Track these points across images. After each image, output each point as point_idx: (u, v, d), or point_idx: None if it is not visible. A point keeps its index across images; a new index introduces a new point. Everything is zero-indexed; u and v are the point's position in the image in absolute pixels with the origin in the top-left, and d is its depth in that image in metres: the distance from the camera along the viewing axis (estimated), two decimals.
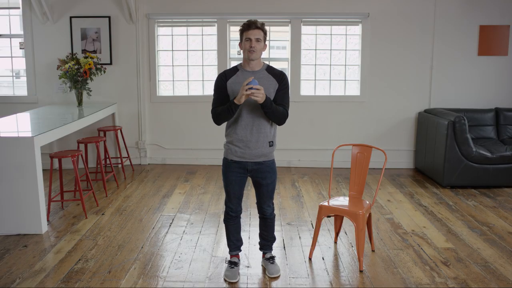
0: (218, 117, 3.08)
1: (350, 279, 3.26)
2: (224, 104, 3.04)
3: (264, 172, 3.15)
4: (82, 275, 3.29)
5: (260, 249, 3.48)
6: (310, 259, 3.55)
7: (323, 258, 3.58)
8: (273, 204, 3.35)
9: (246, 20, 3.04)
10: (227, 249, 3.71)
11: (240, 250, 3.42)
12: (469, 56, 6.31)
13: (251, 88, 2.86)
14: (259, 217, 3.38)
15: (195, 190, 5.39)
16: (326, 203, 3.55)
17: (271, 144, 3.13)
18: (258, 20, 3.03)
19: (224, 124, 3.21)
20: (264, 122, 3.07)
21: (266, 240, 3.43)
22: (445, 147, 5.41)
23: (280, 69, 3.18)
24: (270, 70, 3.11)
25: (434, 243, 3.88)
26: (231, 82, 3.06)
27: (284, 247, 3.77)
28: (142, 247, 3.78)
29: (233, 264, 3.32)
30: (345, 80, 6.47)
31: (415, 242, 3.90)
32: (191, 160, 6.60)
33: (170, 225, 4.28)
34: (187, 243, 3.88)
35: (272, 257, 3.40)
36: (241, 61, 3.14)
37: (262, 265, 3.47)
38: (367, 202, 3.58)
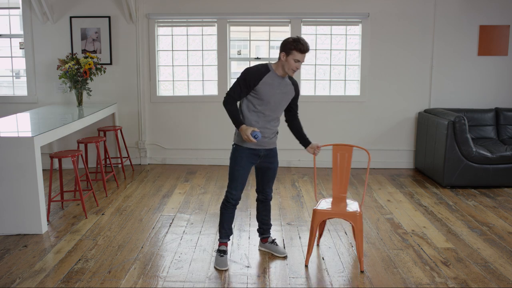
0: (227, 111, 3.24)
1: (350, 279, 3.26)
2: (242, 94, 3.23)
3: (272, 157, 3.46)
4: (82, 275, 3.29)
5: (262, 234, 3.68)
6: (306, 266, 3.45)
7: (323, 258, 3.58)
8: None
9: (296, 36, 3.20)
10: (227, 249, 3.72)
11: (229, 239, 3.58)
12: (469, 56, 6.31)
13: (254, 134, 3.16)
14: (261, 202, 3.60)
15: (195, 190, 5.39)
16: (319, 208, 3.45)
17: (277, 132, 3.47)
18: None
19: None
20: (279, 117, 3.41)
21: (267, 224, 3.67)
22: (445, 147, 5.42)
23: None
24: (292, 78, 3.41)
25: (434, 243, 3.88)
26: (264, 82, 3.21)
27: (284, 247, 3.77)
28: (142, 247, 3.78)
29: (222, 252, 3.46)
30: (345, 80, 6.47)
31: (415, 242, 3.90)
32: (191, 160, 6.60)
33: (170, 225, 4.28)
34: (187, 243, 3.88)
35: (274, 240, 3.68)
36: (273, 62, 3.32)
37: (262, 250, 3.67)
38: (356, 202, 3.58)
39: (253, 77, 3.20)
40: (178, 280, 3.23)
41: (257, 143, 3.24)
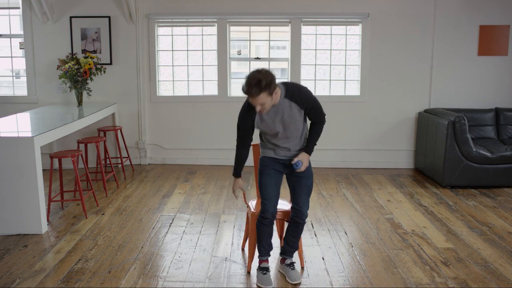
0: (235, 154, 3.16)
1: (350, 279, 3.26)
2: (248, 138, 3.10)
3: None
4: (82, 275, 3.29)
5: (282, 254, 3.33)
6: (248, 272, 3.34)
7: (323, 258, 3.58)
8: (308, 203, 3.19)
9: (244, 77, 2.83)
10: (227, 249, 3.73)
11: (270, 255, 3.28)
12: (469, 56, 6.31)
13: (296, 164, 3.06)
14: (293, 221, 3.18)
15: (195, 190, 5.39)
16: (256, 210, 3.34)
17: (305, 137, 3.18)
18: (257, 80, 2.75)
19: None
20: (297, 133, 3.09)
21: (292, 247, 3.28)
22: (445, 147, 5.41)
23: (297, 86, 3.05)
24: (289, 95, 2.97)
25: (434, 243, 3.88)
26: (258, 119, 3.02)
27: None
28: (142, 247, 3.78)
29: (264, 270, 3.19)
30: (345, 80, 6.47)
31: (415, 242, 3.90)
32: (191, 160, 6.60)
33: (170, 225, 4.28)
34: (187, 243, 3.88)
35: (293, 263, 3.29)
36: None
37: (279, 271, 3.35)
38: (285, 200, 3.54)
39: (245, 120, 3.02)
40: (178, 280, 3.23)
41: (280, 154, 3.11)
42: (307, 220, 4.38)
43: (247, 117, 3.02)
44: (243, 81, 2.84)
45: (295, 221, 3.17)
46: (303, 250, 3.70)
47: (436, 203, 4.93)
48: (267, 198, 3.08)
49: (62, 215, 4.54)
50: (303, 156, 3.08)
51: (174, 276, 3.30)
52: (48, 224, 4.26)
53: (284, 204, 3.46)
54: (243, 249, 3.71)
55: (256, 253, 3.34)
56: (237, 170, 3.20)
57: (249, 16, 6.30)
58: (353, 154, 6.50)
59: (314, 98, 3.05)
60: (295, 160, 3.07)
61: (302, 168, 3.07)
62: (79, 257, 3.59)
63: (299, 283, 3.19)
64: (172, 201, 4.98)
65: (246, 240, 3.70)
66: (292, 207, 3.18)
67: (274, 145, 3.12)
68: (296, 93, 2.99)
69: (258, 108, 2.88)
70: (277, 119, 2.99)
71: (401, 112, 6.44)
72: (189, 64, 6.50)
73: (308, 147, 3.14)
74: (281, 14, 6.26)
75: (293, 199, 3.18)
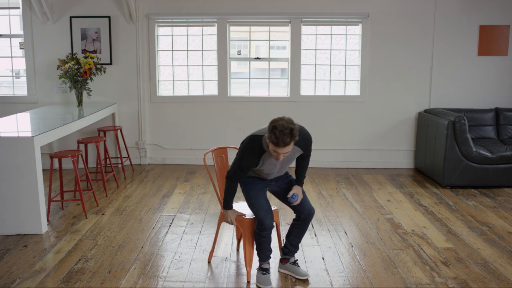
0: (226, 187, 3.13)
1: (350, 279, 3.26)
2: (247, 173, 3.08)
3: (286, 178, 3.30)
4: (82, 275, 3.29)
5: (285, 255, 3.32)
6: (209, 262, 3.46)
7: (323, 258, 3.58)
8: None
9: (277, 125, 2.70)
10: (227, 249, 3.73)
11: (270, 258, 3.27)
12: (469, 56, 6.31)
13: (292, 197, 3.12)
14: (301, 221, 3.21)
15: (195, 190, 5.39)
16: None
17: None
18: (289, 129, 2.70)
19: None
20: (287, 168, 3.23)
21: (295, 247, 3.31)
22: (445, 147, 5.41)
23: (303, 131, 3.00)
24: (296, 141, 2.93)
25: (434, 243, 3.88)
26: (261, 164, 2.98)
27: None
28: (142, 247, 3.78)
29: (265, 270, 3.20)
30: (345, 80, 6.47)
31: (415, 242, 3.90)
32: (191, 160, 6.59)
33: (170, 225, 4.28)
34: (187, 243, 3.88)
35: (296, 261, 3.33)
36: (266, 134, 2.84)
37: (281, 272, 3.34)
38: (239, 202, 3.54)
39: (249, 163, 2.97)
40: (178, 280, 3.23)
41: (264, 175, 3.14)
42: None
43: (253, 161, 2.96)
44: (270, 132, 2.72)
45: (305, 222, 3.21)
46: (303, 250, 3.70)
47: (436, 203, 4.93)
48: (262, 211, 3.09)
49: (62, 215, 4.54)
50: (297, 190, 3.16)
51: (174, 276, 3.30)
52: (48, 224, 4.26)
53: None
54: (237, 250, 3.72)
55: (255, 257, 3.33)
56: (230, 202, 3.18)
57: (249, 16, 6.30)
58: (353, 154, 6.50)
59: (311, 146, 3.13)
60: (291, 193, 3.13)
61: (298, 201, 3.14)
62: (79, 257, 3.59)
63: (308, 277, 3.25)
64: (172, 201, 4.98)
65: (240, 242, 3.73)
66: (297, 214, 3.21)
67: (259, 175, 3.16)
68: (301, 139, 2.95)
69: (281, 158, 2.83)
70: (278, 162, 3.02)
71: (401, 112, 6.44)
72: (189, 64, 6.50)
73: (299, 180, 3.23)
74: (281, 14, 6.26)
75: (299, 207, 3.18)
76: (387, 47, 6.29)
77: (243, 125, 6.36)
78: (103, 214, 4.57)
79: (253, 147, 2.93)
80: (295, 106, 6.38)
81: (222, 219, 3.39)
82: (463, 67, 6.33)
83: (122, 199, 5.03)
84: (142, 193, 5.26)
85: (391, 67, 6.34)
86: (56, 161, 5.82)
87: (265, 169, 3.04)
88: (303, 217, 3.19)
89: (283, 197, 3.26)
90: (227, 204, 3.19)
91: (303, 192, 3.22)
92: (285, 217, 4.45)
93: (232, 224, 3.24)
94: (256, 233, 3.14)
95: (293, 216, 3.27)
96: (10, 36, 6.47)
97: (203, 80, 6.53)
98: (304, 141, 3.01)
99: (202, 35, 6.44)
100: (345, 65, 6.44)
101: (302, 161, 3.23)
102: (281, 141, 2.69)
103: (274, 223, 3.33)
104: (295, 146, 2.99)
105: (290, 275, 3.30)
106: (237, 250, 3.72)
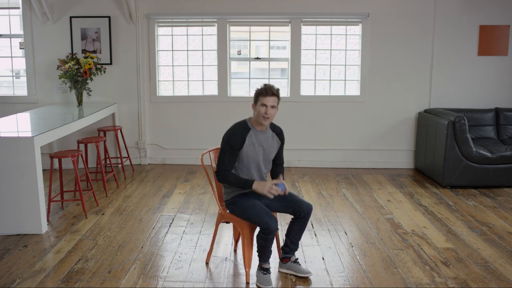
0: (228, 183, 3.15)
1: (350, 279, 3.26)
2: (233, 161, 3.15)
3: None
4: (82, 275, 3.29)
5: (285, 254, 3.33)
6: (207, 263, 3.45)
7: (323, 258, 3.58)
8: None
9: (263, 83, 3.17)
10: (227, 249, 3.73)
11: (270, 257, 3.27)
12: (469, 56, 6.31)
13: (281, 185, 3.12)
14: (301, 218, 3.23)
15: (195, 190, 5.39)
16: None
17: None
18: (273, 86, 3.13)
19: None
20: (267, 170, 3.35)
21: (296, 244, 3.32)
22: (445, 147, 5.41)
23: (276, 124, 3.37)
24: (273, 127, 3.31)
25: (434, 243, 3.88)
26: (247, 144, 3.14)
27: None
28: (142, 247, 3.78)
29: (265, 270, 3.20)
30: (345, 80, 6.47)
31: (415, 242, 3.90)
32: (191, 160, 6.59)
33: (170, 225, 4.28)
34: (187, 243, 3.88)
35: (297, 259, 3.36)
36: (250, 116, 3.25)
37: (282, 271, 3.34)
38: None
39: (236, 140, 3.11)
40: (178, 280, 3.23)
41: (252, 173, 3.21)
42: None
43: (240, 137, 3.13)
44: (258, 86, 3.16)
45: (305, 218, 3.23)
46: (303, 250, 3.70)
47: (436, 203, 4.93)
48: (265, 216, 3.06)
49: (62, 215, 4.54)
50: (281, 180, 3.21)
51: (174, 276, 3.30)
52: (48, 224, 4.26)
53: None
54: (235, 250, 3.72)
55: (254, 257, 3.33)
56: (247, 181, 3.11)
57: (249, 16, 6.30)
58: (353, 154, 6.50)
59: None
60: (277, 182, 3.14)
61: (286, 191, 3.15)
62: (79, 257, 3.59)
63: (311, 274, 3.28)
64: (172, 201, 4.98)
65: (237, 242, 3.74)
66: (297, 213, 3.21)
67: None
68: (277, 127, 3.34)
69: (268, 112, 3.09)
70: (263, 146, 3.21)
71: (401, 112, 6.44)
72: (189, 64, 6.50)
73: (279, 173, 3.31)
74: (281, 14, 6.26)
75: (295, 207, 3.20)
76: (387, 47, 6.29)
77: None
78: (103, 214, 4.57)
79: (238, 126, 3.21)
80: (295, 106, 6.38)
81: (220, 219, 3.39)
82: (463, 67, 6.33)
83: (122, 199, 5.03)
84: (142, 193, 5.26)
85: (391, 67, 6.34)
86: (56, 161, 5.82)
87: (251, 151, 3.15)
88: (303, 214, 3.20)
89: (277, 206, 3.25)
90: (246, 184, 3.11)
91: (293, 196, 3.26)
92: (284, 217, 4.45)
93: (277, 193, 3.10)
94: (261, 237, 3.10)
95: (292, 216, 3.27)
96: (10, 36, 6.47)
97: (203, 80, 6.53)
98: (280, 132, 3.35)
99: (202, 35, 6.44)
100: (345, 65, 6.44)
101: (278, 169, 3.36)
102: (269, 89, 3.11)
103: None
104: (275, 135, 3.28)
105: (291, 274, 3.30)
106: (235, 250, 3.72)
